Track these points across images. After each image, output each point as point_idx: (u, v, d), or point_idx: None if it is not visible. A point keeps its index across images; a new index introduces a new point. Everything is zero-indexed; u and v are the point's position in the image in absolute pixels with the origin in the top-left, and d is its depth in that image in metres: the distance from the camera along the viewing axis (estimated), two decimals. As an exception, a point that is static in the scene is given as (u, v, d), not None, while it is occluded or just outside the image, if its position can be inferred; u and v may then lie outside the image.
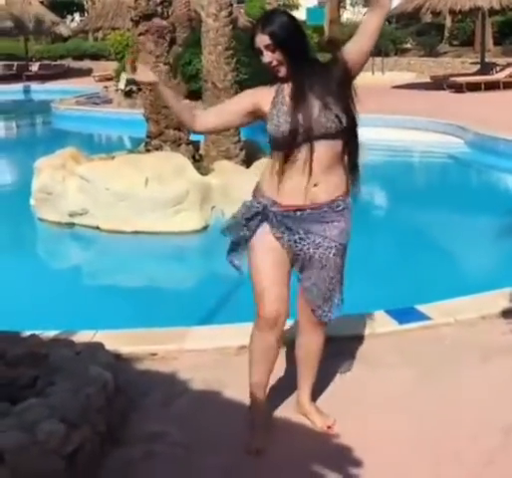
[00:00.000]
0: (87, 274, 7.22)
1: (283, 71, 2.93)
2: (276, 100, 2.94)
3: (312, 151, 2.87)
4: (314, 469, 3.00)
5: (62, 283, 6.53)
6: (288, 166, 2.92)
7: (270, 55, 2.90)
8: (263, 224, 3.05)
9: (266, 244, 3.05)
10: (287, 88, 2.95)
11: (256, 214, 3.05)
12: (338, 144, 2.93)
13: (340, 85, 2.88)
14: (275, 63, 2.92)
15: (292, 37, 2.89)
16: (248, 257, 3.11)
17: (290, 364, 3.51)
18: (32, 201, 8.67)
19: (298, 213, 2.98)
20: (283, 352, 3.56)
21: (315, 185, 2.92)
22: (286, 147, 2.90)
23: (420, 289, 5.61)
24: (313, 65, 2.96)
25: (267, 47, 2.89)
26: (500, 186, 11.04)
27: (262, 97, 2.99)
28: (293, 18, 2.96)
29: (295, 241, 3.04)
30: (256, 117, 3.03)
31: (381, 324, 4.26)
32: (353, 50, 2.89)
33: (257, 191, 3.10)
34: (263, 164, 8.37)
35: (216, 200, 8.06)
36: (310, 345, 3.27)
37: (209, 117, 3.12)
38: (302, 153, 2.89)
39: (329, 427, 3.27)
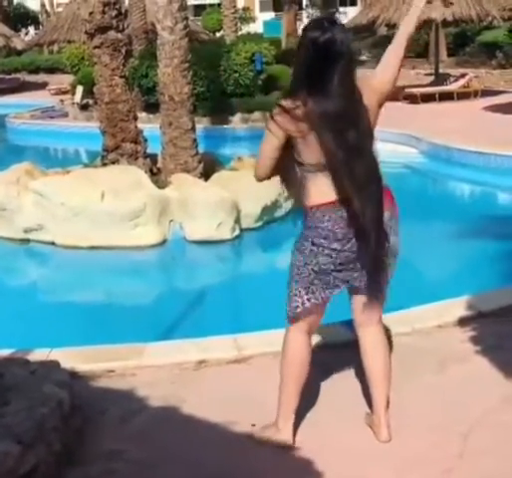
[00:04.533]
0: (43, 291, 7.13)
1: None
2: None
3: None
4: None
5: (17, 300, 6.43)
6: None
7: None
8: None
9: None
10: None
11: None
12: None
13: None
14: None
15: None
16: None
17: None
18: (-14, 218, 8.52)
19: None
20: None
21: None
22: None
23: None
24: None
25: None
26: (454, 195, 11.19)
27: None
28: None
29: None
30: None
31: (337, 334, 4.25)
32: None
33: None
34: (221, 177, 8.47)
35: (174, 214, 8.02)
36: None
37: None
38: None
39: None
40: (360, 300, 3.26)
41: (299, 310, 3.19)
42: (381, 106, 3.15)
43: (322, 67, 2.96)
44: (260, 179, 3.19)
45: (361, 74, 3.08)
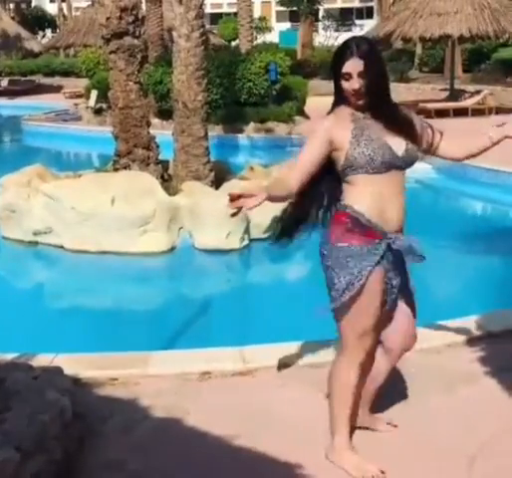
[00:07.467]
0: (49, 295, 7.10)
1: (365, 99, 2.98)
2: (358, 129, 2.98)
3: (400, 181, 3.06)
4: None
5: (23, 303, 6.41)
6: (380, 195, 3.00)
7: (361, 82, 2.93)
8: (377, 268, 3.03)
9: (378, 287, 3.06)
10: (367, 117, 3.02)
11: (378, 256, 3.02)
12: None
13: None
14: (363, 90, 2.95)
15: (383, 69, 3.05)
16: (352, 298, 3.01)
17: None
18: (-4, 219, 8.52)
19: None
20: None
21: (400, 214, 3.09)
22: (376, 173, 2.97)
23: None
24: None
25: (360, 74, 2.93)
26: (467, 212, 11.13)
27: (337, 130, 3.00)
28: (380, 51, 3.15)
29: (393, 276, 3.15)
30: (330, 151, 3.03)
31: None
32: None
33: (363, 227, 3.00)
34: (233, 186, 8.43)
35: (184, 221, 7.99)
36: None
37: (296, 177, 3.02)
38: (391, 182, 3.02)
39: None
40: None
41: None
42: None
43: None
44: None
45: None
